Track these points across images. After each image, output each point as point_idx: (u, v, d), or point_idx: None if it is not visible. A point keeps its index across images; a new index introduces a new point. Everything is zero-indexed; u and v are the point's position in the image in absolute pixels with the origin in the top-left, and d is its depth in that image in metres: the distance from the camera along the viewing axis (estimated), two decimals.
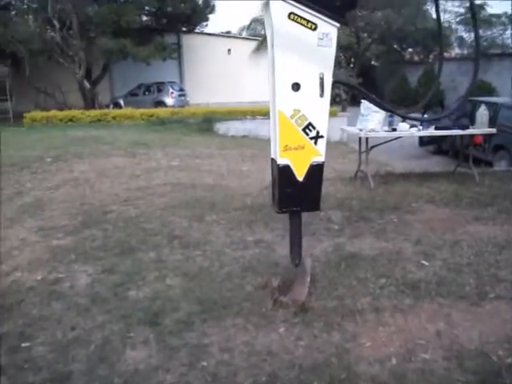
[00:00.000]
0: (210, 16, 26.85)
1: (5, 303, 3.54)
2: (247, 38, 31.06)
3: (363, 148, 7.08)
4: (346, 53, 36.97)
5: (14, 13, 20.43)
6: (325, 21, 2.98)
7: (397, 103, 28.74)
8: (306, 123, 3.09)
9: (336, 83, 3.36)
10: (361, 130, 6.88)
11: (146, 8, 23.83)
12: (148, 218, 5.58)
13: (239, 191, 6.95)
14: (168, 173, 8.59)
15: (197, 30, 27.80)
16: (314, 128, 3.11)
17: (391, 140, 7.47)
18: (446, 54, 35.84)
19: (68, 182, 7.79)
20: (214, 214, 5.67)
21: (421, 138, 12.46)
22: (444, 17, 35.42)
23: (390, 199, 6.22)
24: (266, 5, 3.01)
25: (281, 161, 3.11)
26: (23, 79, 22.10)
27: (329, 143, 9.66)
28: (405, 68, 34.74)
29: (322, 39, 3.00)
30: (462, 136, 7.92)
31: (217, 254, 4.42)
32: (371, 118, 6.70)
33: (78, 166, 9.00)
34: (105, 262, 4.27)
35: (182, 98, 25.06)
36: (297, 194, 3.20)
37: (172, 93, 24.52)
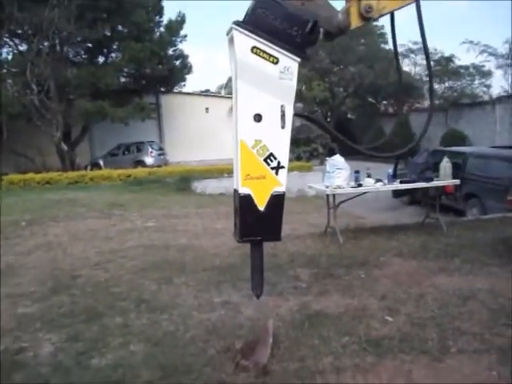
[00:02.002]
0: (189, 76, 27.63)
1: None
2: (225, 97, 31.84)
3: (331, 204, 7.21)
4: (322, 107, 38.07)
5: None
6: (286, 55, 3.08)
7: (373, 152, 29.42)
8: (267, 154, 3.14)
9: (296, 116, 3.45)
10: (327, 186, 7.04)
11: (125, 70, 24.38)
12: (117, 281, 5.58)
13: (211, 251, 6.99)
14: (142, 234, 8.62)
15: (175, 90, 28.45)
16: (275, 158, 3.16)
17: (358, 195, 7.63)
18: (417, 106, 37.14)
19: (41, 246, 7.77)
20: (184, 275, 5.69)
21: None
22: (415, 70, 36.95)
23: (359, 254, 6.31)
24: (231, 39, 3.09)
25: (242, 190, 3.14)
26: (2, 142, 22.27)
27: (305, 198, 9.74)
28: (380, 120, 35.72)
29: (283, 73, 3.09)
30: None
31: (183, 317, 4.41)
32: (337, 175, 6.88)
33: (52, 230, 9.00)
34: (70, 330, 4.24)
35: (162, 156, 25.43)
36: (258, 224, 3.22)
37: (151, 152, 24.89)
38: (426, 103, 37.08)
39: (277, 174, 3.19)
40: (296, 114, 3.38)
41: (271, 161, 3.17)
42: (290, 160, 26.14)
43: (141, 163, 23.89)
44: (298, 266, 5.86)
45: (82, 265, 6.45)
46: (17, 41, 22.56)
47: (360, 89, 34.53)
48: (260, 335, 3.73)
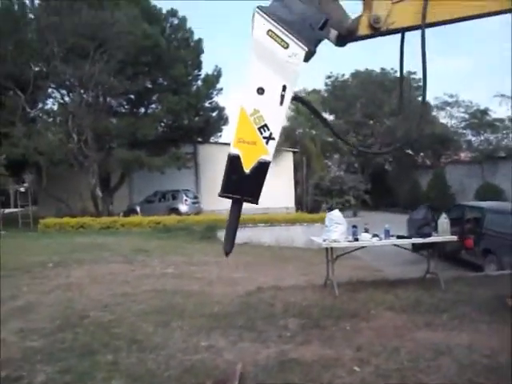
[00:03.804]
0: (226, 126, 28.66)
1: None
2: None
3: (330, 257, 7.52)
4: (357, 158, 38.44)
5: (39, 125, 22.06)
6: (296, 43, 3.43)
7: (408, 205, 29.32)
8: (262, 123, 3.39)
9: (295, 99, 3.82)
10: (324, 240, 7.37)
11: (163, 120, 25.53)
12: (119, 323, 6.02)
13: (215, 298, 7.37)
14: (159, 280, 9.10)
15: (211, 140, 29.48)
16: (268, 129, 3.41)
17: (355, 249, 7.92)
18: (454, 157, 37.06)
19: (62, 286, 8.36)
20: (181, 320, 6.09)
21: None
22: (451, 122, 37.12)
23: (351, 307, 6.56)
24: (253, 19, 3.53)
25: (233, 150, 3.37)
26: (48, 187, 23.61)
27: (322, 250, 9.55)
28: (417, 171, 35.71)
29: (290, 57, 3.43)
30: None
31: (168, 357, 4.79)
32: (334, 229, 7.21)
33: (75, 272, 9.61)
34: (65, 363, 4.68)
35: (196, 205, 26.12)
36: (240, 184, 3.40)
37: (186, 200, 25.59)
38: (463, 155, 37.01)
39: (267, 143, 3.43)
40: (295, 97, 3.78)
41: (264, 131, 3.43)
42: (320, 211, 26.46)
43: (175, 211, 24.53)
44: (289, 316, 6.17)
45: (93, 306, 6.95)
46: (63, 91, 24.15)
47: (394, 141, 34.78)
48: (228, 377, 4.09)
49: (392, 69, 37.41)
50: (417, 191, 32.37)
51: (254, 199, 3.73)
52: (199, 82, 25.91)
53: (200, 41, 26.09)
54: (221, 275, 9.81)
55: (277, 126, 3.51)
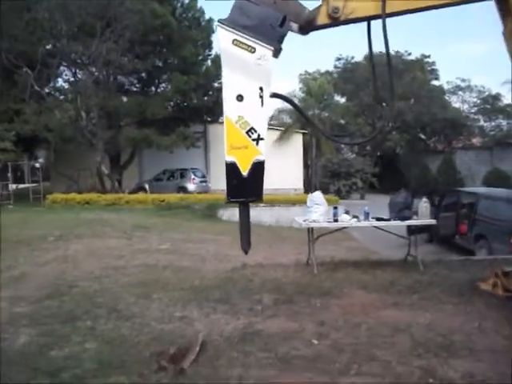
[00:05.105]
0: None
1: None
2: (270, 128, 32.87)
3: (310, 237, 7.78)
4: (369, 142, 38.24)
5: (49, 102, 22.44)
6: (261, 45, 3.76)
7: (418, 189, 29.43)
8: (248, 127, 3.75)
9: (274, 97, 4.07)
10: (305, 220, 7.64)
11: (173, 100, 25.71)
12: (103, 293, 6.41)
13: (202, 274, 7.71)
14: (152, 255, 9.46)
15: (221, 120, 29.64)
16: (255, 131, 3.75)
17: (336, 230, 8.18)
18: (467, 143, 36.95)
19: (58, 259, 8.78)
20: (163, 292, 6.45)
21: (408, 226, 12.96)
22: (463, 107, 36.87)
23: (326, 285, 6.85)
24: (217, 32, 3.92)
25: (228, 158, 3.76)
26: (58, 163, 24.05)
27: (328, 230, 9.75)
28: (427, 156, 35.64)
29: (259, 59, 3.75)
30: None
31: (141, 325, 5.15)
32: (314, 210, 7.46)
33: (74, 246, 10.03)
34: (47, 328, 5.07)
35: (204, 184, 26.41)
36: (242, 187, 3.80)
37: (194, 179, 25.88)
38: (475, 140, 36.84)
39: (257, 144, 3.80)
40: (273, 95, 4.02)
41: (252, 133, 3.78)
42: (328, 192, 26.63)
43: (183, 189, 24.87)
44: (265, 291, 6.48)
45: (83, 277, 7.35)
46: (73, 69, 24.33)
47: (404, 124, 34.65)
48: (191, 344, 4.43)
49: (406, 51, 37.15)
50: (426, 176, 32.35)
51: (258, 198, 4.03)
52: (209, 62, 26.03)
53: (211, 20, 26.12)
54: (216, 252, 10.11)
55: (263, 126, 3.85)
